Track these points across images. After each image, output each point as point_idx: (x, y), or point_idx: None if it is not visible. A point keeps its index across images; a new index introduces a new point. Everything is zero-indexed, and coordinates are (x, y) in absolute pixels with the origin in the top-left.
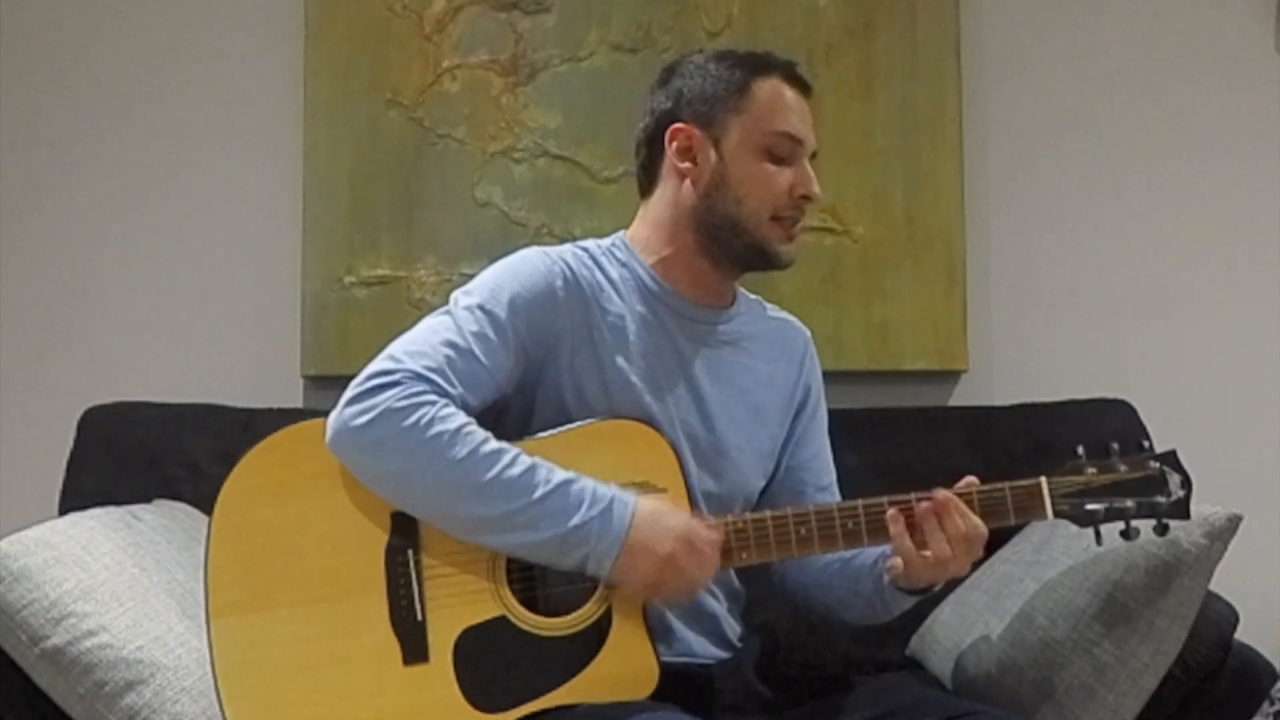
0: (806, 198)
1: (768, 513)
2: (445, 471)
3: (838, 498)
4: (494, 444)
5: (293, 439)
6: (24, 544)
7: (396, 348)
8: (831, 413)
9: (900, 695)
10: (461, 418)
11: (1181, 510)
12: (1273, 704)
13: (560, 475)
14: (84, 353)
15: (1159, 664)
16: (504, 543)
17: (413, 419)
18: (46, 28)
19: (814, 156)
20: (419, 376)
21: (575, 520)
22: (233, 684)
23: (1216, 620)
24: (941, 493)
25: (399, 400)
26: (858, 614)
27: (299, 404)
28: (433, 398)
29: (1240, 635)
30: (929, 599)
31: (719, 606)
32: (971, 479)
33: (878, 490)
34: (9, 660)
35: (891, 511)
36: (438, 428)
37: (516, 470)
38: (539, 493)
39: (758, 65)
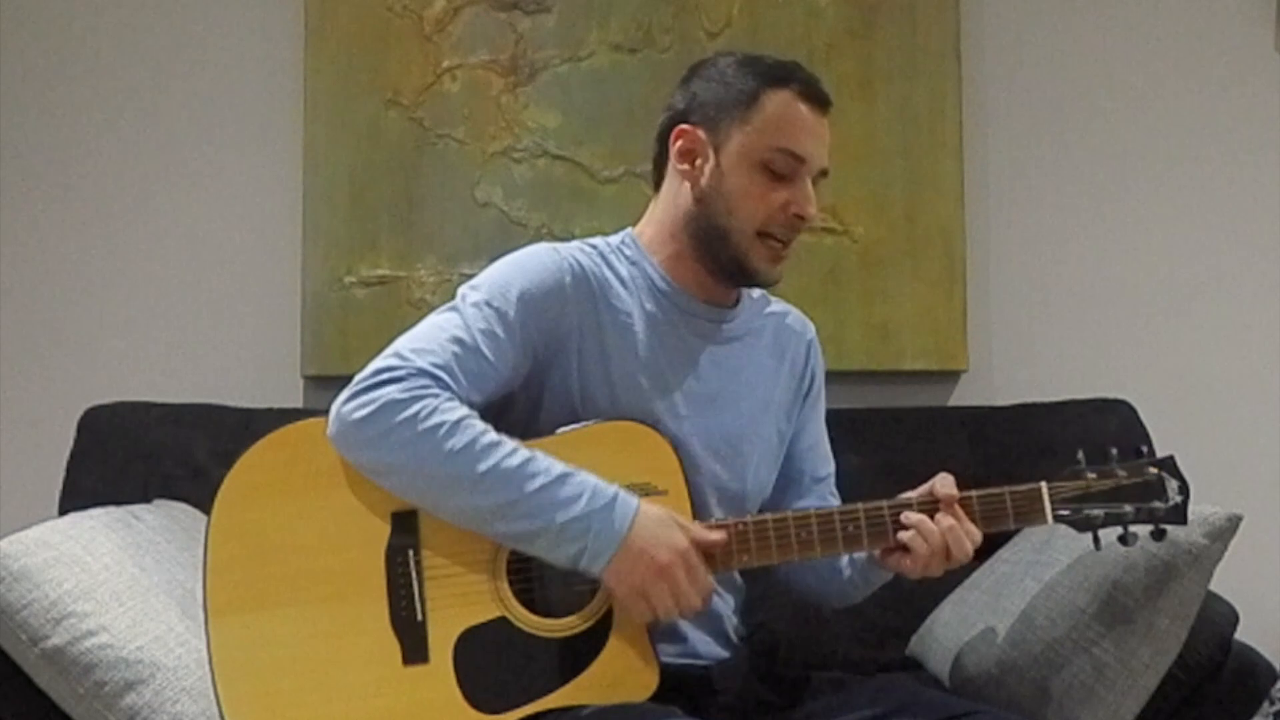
0: (800, 217)
1: (768, 516)
2: (444, 462)
3: (835, 492)
4: (493, 435)
5: (292, 437)
6: (24, 544)
7: (402, 344)
8: (831, 413)
9: (900, 695)
10: (462, 410)
11: (1179, 516)
12: (1273, 704)
13: (560, 468)
14: (84, 353)
15: (1159, 664)
16: (501, 532)
17: (412, 410)
18: (47, 27)
19: (825, 174)
20: (423, 372)
21: (574, 513)
22: (231, 684)
23: (1216, 620)
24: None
25: (400, 393)
26: (836, 592)
27: (299, 404)
28: (435, 390)
29: (1240, 635)
30: (929, 599)
31: (724, 605)
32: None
33: (877, 490)
34: (9, 660)
35: (905, 514)
36: (437, 419)
37: (515, 461)
38: (537, 483)
39: (774, 76)
